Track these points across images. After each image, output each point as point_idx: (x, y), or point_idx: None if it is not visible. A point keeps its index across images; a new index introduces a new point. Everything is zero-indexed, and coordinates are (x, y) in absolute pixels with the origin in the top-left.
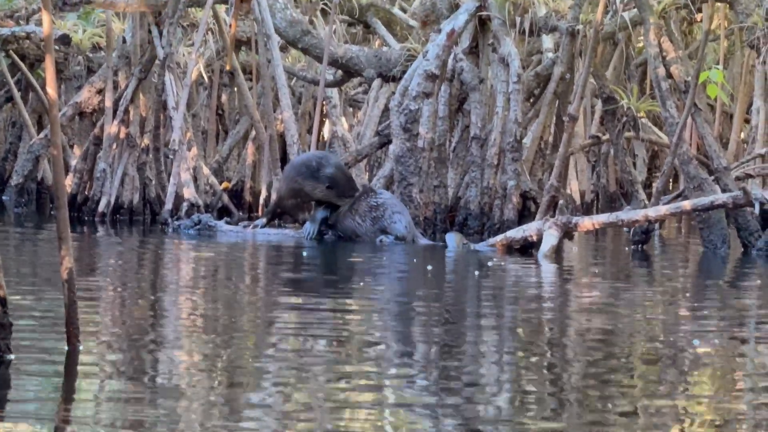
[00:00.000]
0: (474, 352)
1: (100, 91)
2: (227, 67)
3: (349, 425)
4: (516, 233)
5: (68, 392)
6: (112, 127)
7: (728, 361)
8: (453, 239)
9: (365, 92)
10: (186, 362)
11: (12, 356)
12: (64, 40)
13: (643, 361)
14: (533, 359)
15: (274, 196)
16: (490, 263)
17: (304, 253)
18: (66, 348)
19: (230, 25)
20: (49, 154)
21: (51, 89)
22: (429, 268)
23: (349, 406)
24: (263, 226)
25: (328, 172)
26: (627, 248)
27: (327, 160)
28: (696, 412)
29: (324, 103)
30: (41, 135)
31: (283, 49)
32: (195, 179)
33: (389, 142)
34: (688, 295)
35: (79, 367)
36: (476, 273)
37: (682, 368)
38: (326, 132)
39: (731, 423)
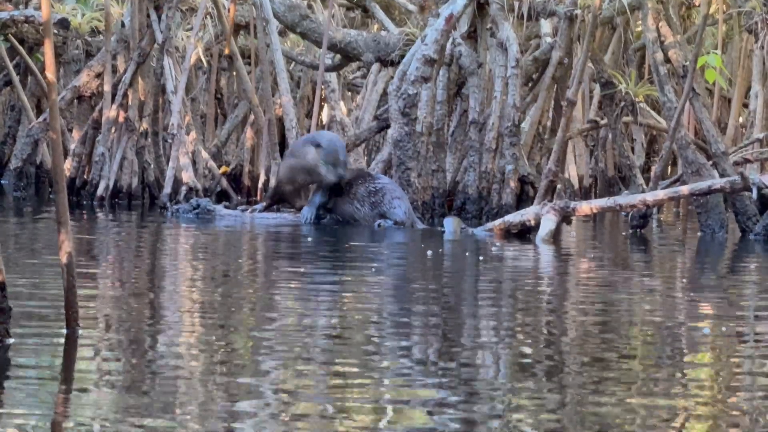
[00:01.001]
0: (473, 333)
1: (99, 75)
2: (226, 52)
3: (348, 415)
4: (514, 218)
5: (67, 376)
6: (110, 111)
7: (730, 346)
8: (451, 224)
9: (364, 77)
10: (186, 344)
11: (11, 340)
12: (63, 24)
13: (642, 345)
14: (530, 344)
15: (273, 182)
16: (492, 248)
17: (309, 239)
18: (65, 332)
19: (229, 10)
20: (47, 137)
21: (50, 73)
22: (429, 253)
23: (348, 386)
24: (262, 211)
25: (325, 140)
26: (625, 233)
27: (321, 134)
28: (698, 402)
29: (323, 87)
30: (40, 119)
31: (281, 33)
32: (194, 163)
33: (388, 126)
34: (685, 279)
35: (78, 351)
36: (480, 258)
37: (684, 351)
38: (325, 116)
39: (734, 411)
